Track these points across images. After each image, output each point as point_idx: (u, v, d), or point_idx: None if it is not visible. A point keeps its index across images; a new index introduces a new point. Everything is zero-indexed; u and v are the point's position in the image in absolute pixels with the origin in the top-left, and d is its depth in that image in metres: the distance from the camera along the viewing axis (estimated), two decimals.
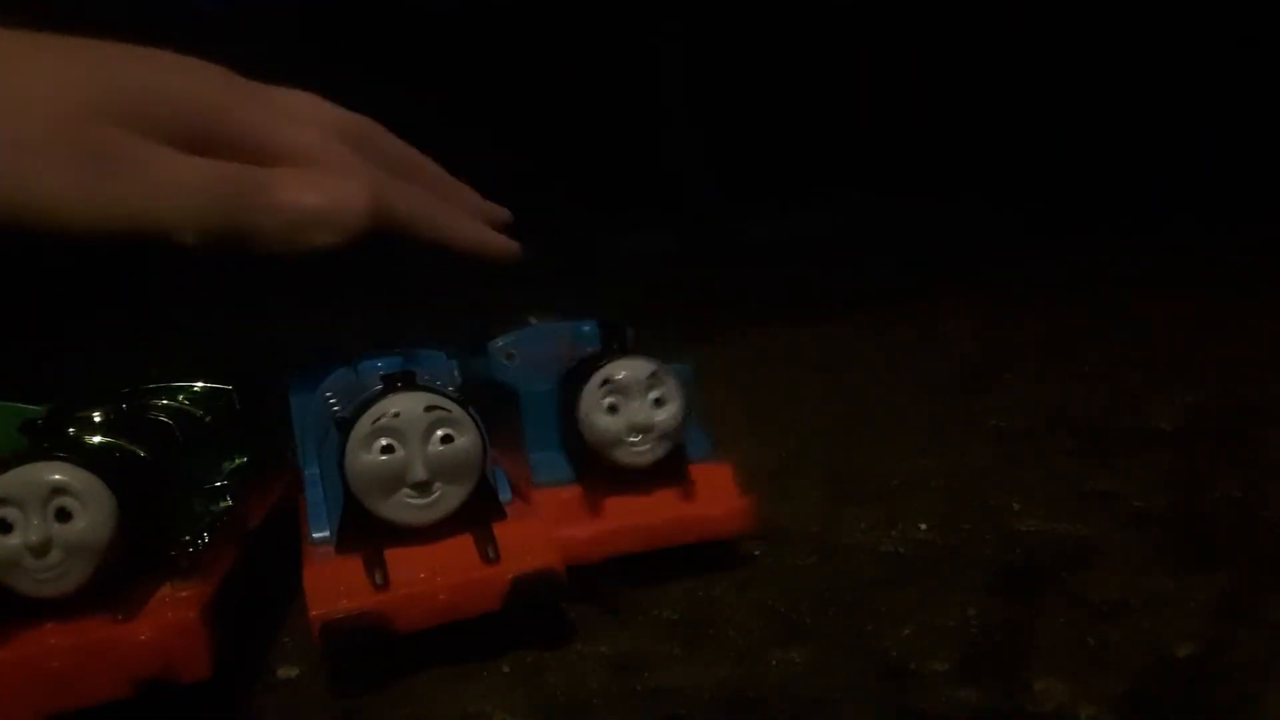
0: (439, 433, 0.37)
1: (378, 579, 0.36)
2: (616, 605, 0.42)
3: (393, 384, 0.38)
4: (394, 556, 0.37)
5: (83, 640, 0.32)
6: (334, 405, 0.43)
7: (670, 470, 0.44)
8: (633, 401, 0.43)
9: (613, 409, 0.42)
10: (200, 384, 0.47)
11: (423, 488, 0.37)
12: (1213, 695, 0.31)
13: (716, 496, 0.44)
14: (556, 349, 0.50)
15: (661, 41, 2.09)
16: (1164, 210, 1.76)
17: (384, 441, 0.37)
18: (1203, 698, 0.31)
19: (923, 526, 0.48)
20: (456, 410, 0.38)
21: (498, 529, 0.38)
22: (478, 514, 0.38)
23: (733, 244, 1.98)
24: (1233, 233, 1.55)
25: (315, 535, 0.39)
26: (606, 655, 0.37)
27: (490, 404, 0.46)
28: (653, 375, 0.43)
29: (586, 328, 0.50)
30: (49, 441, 0.35)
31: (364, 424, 0.37)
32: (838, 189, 2.08)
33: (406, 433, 0.37)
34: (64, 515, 0.33)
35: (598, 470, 0.43)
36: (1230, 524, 0.46)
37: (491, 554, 0.37)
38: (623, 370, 0.43)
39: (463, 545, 0.38)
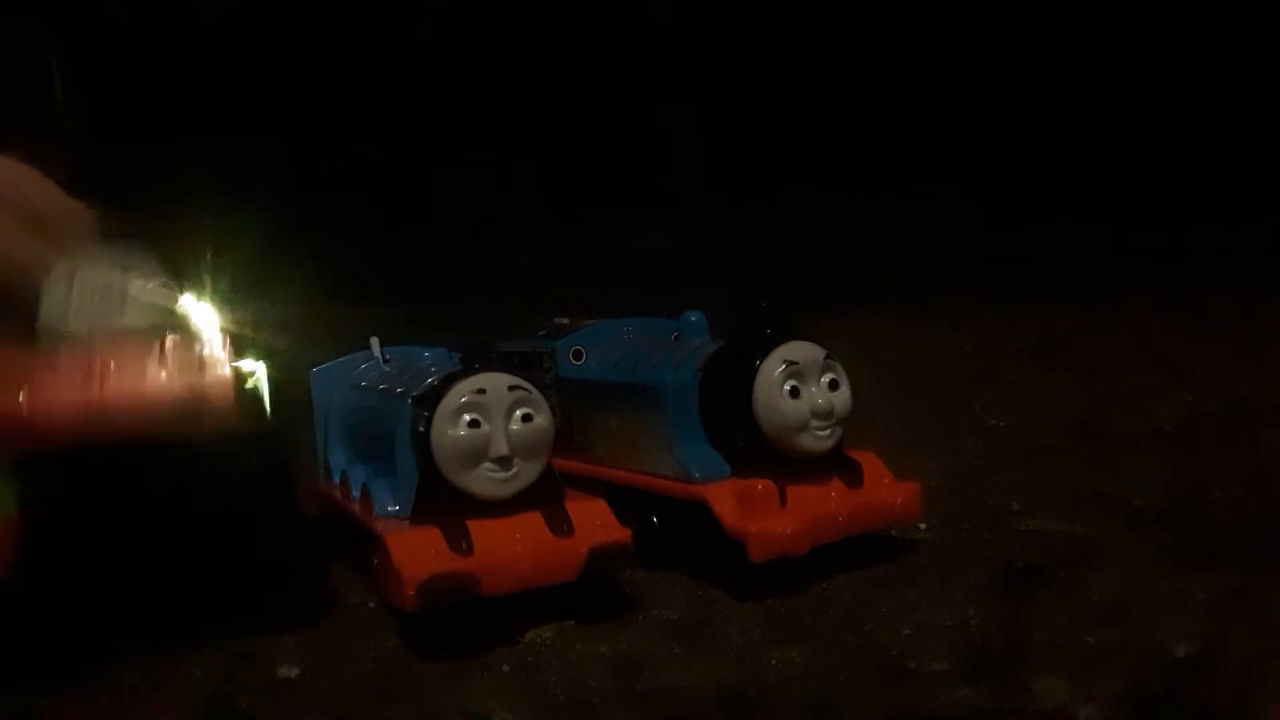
0: (520, 411, 0.40)
1: (463, 545, 0.38)
2: None
3: (474, 364, 0.41)
4: (473, 527, 0.39)
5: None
6: (394, 388, 0.44)
7: (834, 458, 0.44)
8: (811, 385, 0.43)
9: (794, 392, 0.42)
10: None
11: (504, 462, 0.40)
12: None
13: (882, 482, 0.45)
14: (627, 344, 0.50)
15: (665, 53, 2.09)
16: (1164, 210, 1.76)
17: (470, 417, 0.39)
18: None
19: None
20: (535, 392, 0.41)
21: (567, 507, 0.41)
22: (544, 492, 0.41)
23: (732, 245, 1.98)
24: (1233, 233, 1.55)
25: (380, 510, 0.42)
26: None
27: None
28: (827, 358, 0.43)
29: (694, 317, 0.50)
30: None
31: (452, 399, 0.39)
32: (838, 190, 2.08)
33: (491, 409, 0.39)
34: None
35: (761, 461, 0.43)
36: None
37: (565, 528, 0.40)
38: (800, 352, 0.43)
39: (535, 520, 0.40)
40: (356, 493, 0.45)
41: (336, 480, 0.49)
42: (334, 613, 0.44)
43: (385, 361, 0.52)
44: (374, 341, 0.53)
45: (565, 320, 0.56)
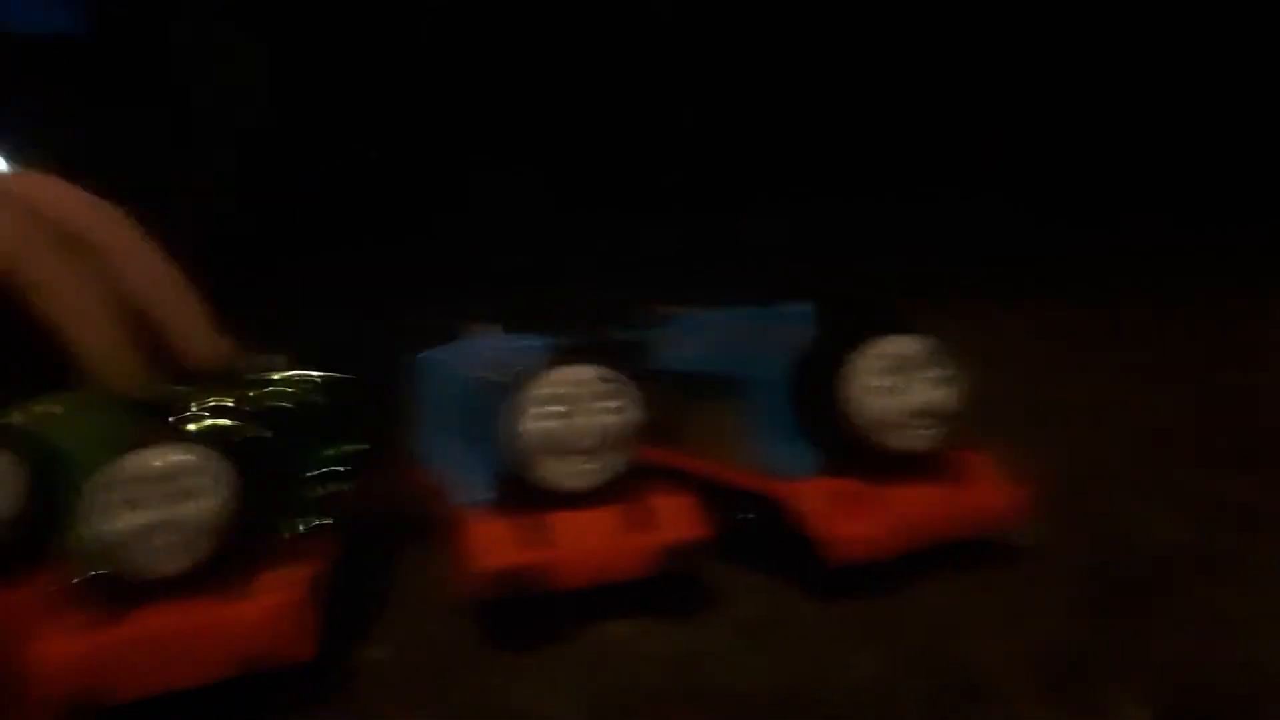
0: (607, 403, 0.39)
1: (541, 537, 0.38)
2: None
3: (565, 354, 0.40)
4: (553, 518, 0.39)
5: (194, 620, 0.33)
6: (491, 376, 0.45)
7: (937, 457, 0.42)
8: (913, 381, 0.41)
9: (890, 387, 0.40)
10: (318, 374, 0.49)
11: (589, 454, 0.39)
12: None
13: (987, 484, 0.42)
14: (723, 334, 0.50)
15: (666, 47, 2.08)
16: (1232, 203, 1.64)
17: (556, 407, 0.39)
18: None
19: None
20: (624, 383, 0.40)
21: (649, 501, 0.40)
22: (629, 485, 0.40)
23: (736, 245, 1.93)
24: None
25: (467, 497, 0.42)
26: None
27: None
28: (933, 350, 0.41)
29: (793, 307, 0.49)
30: (167, 422, 0.36)
31: (539, 389, 0.39)
32: (840, 189, 2.02)
33: (578, 400, 0.39)
34: (185, 495, 0.34)
35: (852, 459, 0.41)
36: None
37: (646, 523, 0.39)
38: (900, 344, 0.41)
39: (616, 513, 0.39)
40: (449, 479, 0.46)
41: (434, 465, 0.50)
42: (409, 599, 0.44)
43: (488, 349, 0.52)
44: (478, 328, 0.54)
45: (666, 308, 0.55)
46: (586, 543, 0.38)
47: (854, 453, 0.41)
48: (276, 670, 0.34)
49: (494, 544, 0.38)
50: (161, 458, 0.34)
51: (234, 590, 0.34)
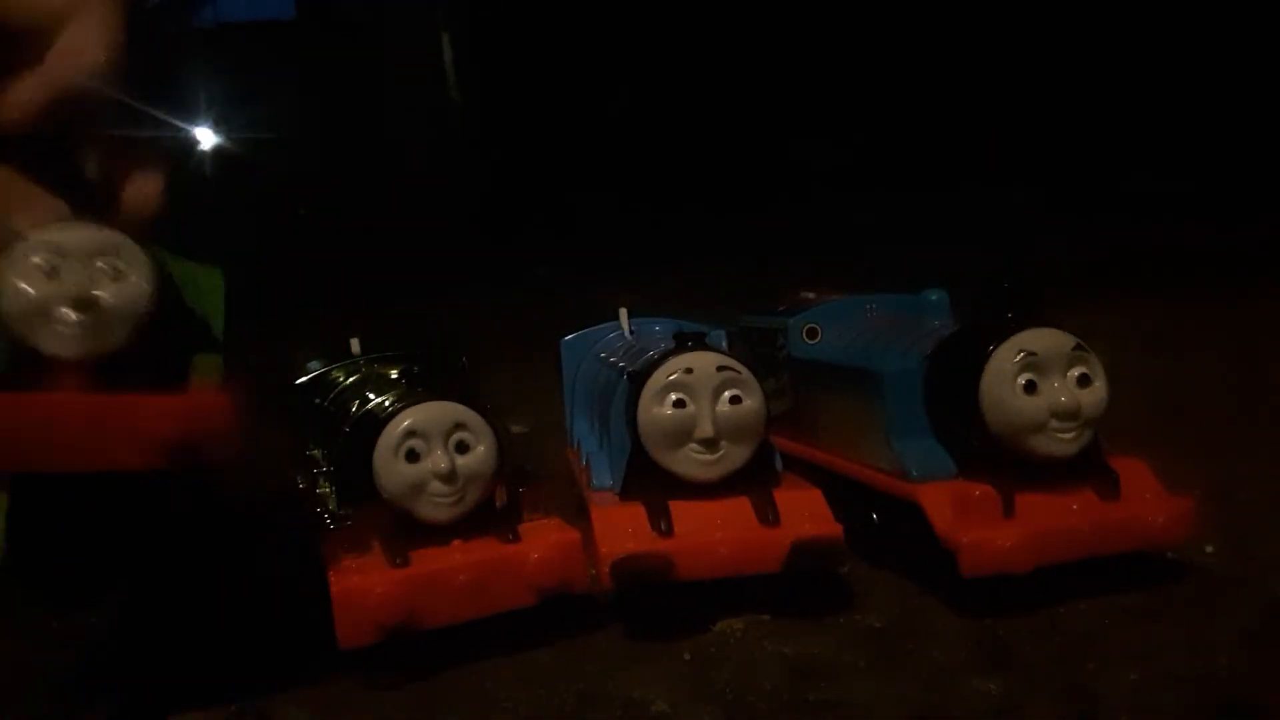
0: (728, 393, 0.39)
1: (662, 526, 0.38)
2: None
3: (685, 342, 0.40)
4: (676, 509, 0.39)
5: (490, 557, 0.37)
6: (619, 363, 0.45)
7: (1087, 464, 0.38)
8: (1053, 379, 0.38)
9: (1030, 387, 0.37)
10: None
11: (709, 444, 0.39)
12: None
13: (1145, 496, 0.39)
14: (864, 324, 0.48)
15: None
16: None
17: (676, 396, 0.39)
18: None
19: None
20: (745, 373, 0.39)
21: (776, 495, 0.39)
22: (756, 478, 0.39)
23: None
24: None
25: (597, 483, 0.42)
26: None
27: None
28: (1077, 349, 0.38)
29: (934, 296, 0.47)
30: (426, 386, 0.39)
31: (658, 378, 0.39)
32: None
33: (698, 390, 0.38)
34: (463, 448, 0.37)
35: (989, 462, 0.38)
36: None
37: (771, 517, 0.38)
38: (1041, 341, 0.38)
39: (741, 506, 0.39)
40: (584, 462, 0.46)
41: (576, 448, 0.50)
42: None
43: (618, 334, 0.52)
44: (622, 312, 0.54)
45: (810, 295, 0.53)
46: (709, 535, 0.38)
47: (991, 455, 0.38)
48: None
49: (617, 532, 0.38)
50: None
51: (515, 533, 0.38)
